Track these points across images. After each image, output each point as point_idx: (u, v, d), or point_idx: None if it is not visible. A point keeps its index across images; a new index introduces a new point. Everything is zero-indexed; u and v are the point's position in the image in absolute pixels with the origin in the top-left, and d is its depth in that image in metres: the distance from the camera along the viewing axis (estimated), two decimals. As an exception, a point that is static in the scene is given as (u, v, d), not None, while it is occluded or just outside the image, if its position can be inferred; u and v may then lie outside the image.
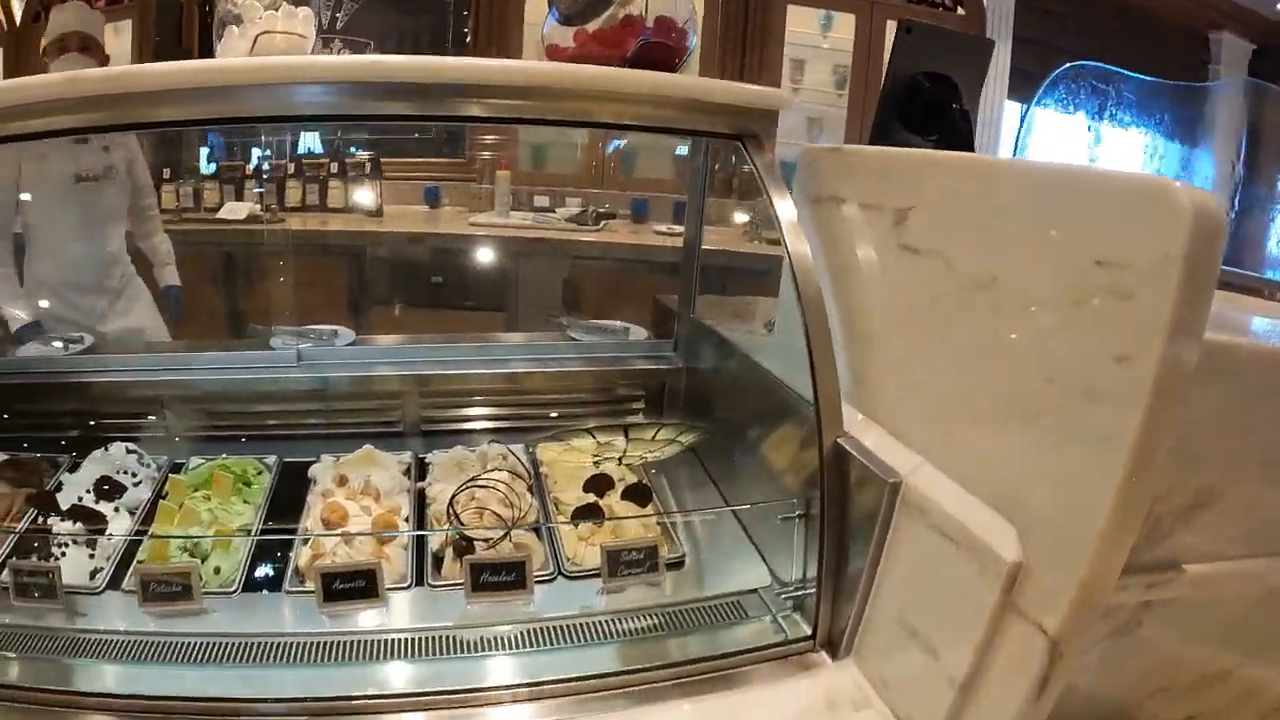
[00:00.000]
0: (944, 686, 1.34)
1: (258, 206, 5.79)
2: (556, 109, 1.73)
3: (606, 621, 1.69)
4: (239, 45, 1.79)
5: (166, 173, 5.94)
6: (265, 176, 6.06)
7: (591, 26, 1.88)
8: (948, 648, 1.36)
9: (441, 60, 1.67)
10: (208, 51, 2.01)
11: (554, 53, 1.90)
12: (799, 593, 1.71)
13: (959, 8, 6.63)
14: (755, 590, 1.78)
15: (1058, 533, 1.20)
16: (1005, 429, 1.33)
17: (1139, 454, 1.09)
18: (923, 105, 2.19)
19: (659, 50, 1.82)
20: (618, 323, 2.77)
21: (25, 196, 3.41)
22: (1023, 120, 6.50)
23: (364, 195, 5.78)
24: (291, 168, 6.02)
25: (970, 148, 2.15)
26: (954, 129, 2.16)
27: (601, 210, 5.64)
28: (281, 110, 1.72)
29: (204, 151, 6.14)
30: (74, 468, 2.28)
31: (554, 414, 2.51)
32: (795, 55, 6.39)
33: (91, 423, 2.48)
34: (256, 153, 6.18)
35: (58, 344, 2.83)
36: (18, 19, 7.59)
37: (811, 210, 1.85)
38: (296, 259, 5.35)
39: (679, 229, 5.22)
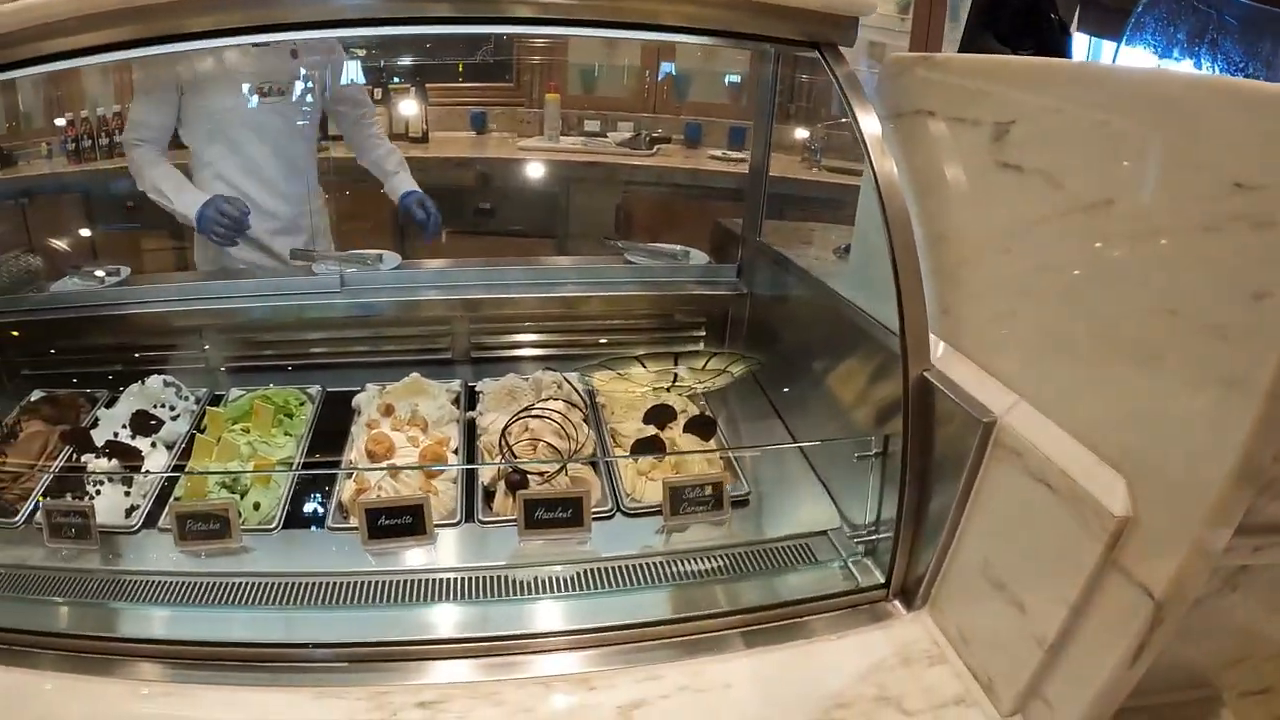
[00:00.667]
0: (1031, 645, 1.27)
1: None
2: (624, 9, 1.65)
3: (667, 563, 1.65)
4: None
5: None
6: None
7: None
8: (1039, 604, 1.28)
9: None
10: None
11: None
12: (872, 537, 1.65)
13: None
14: (824, 532, 1.72)
15: (1172, 485, 1.11)
16: (1116, 368, 1.22)
17: (1272, 401, 0.98)
18: (1015, 15, 2.07)
19: None
20: (676, 246, 2.70)
21: (194, 128, 3.05)
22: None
23: (409, 121, 5.68)
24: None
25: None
26: (1050, 41, 2.03)
27: (655, 135, 5.51)
28: (320, 16, 1.65)
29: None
30: (110, 403, 2.28)
31: (608, 340, 2.46)
32: None
33: (134, 355, 2.48)
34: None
35: (99, 273, 2.77)
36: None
37: (895, 126, 1.74)
38: (340, 187, 5.34)
39: (735, 154, 5.18)
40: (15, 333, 2.55)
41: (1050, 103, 1.39)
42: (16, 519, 1.87)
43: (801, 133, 2.53)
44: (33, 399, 2.34)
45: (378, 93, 5.75)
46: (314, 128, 3.24)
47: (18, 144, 5.61)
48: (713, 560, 1.64)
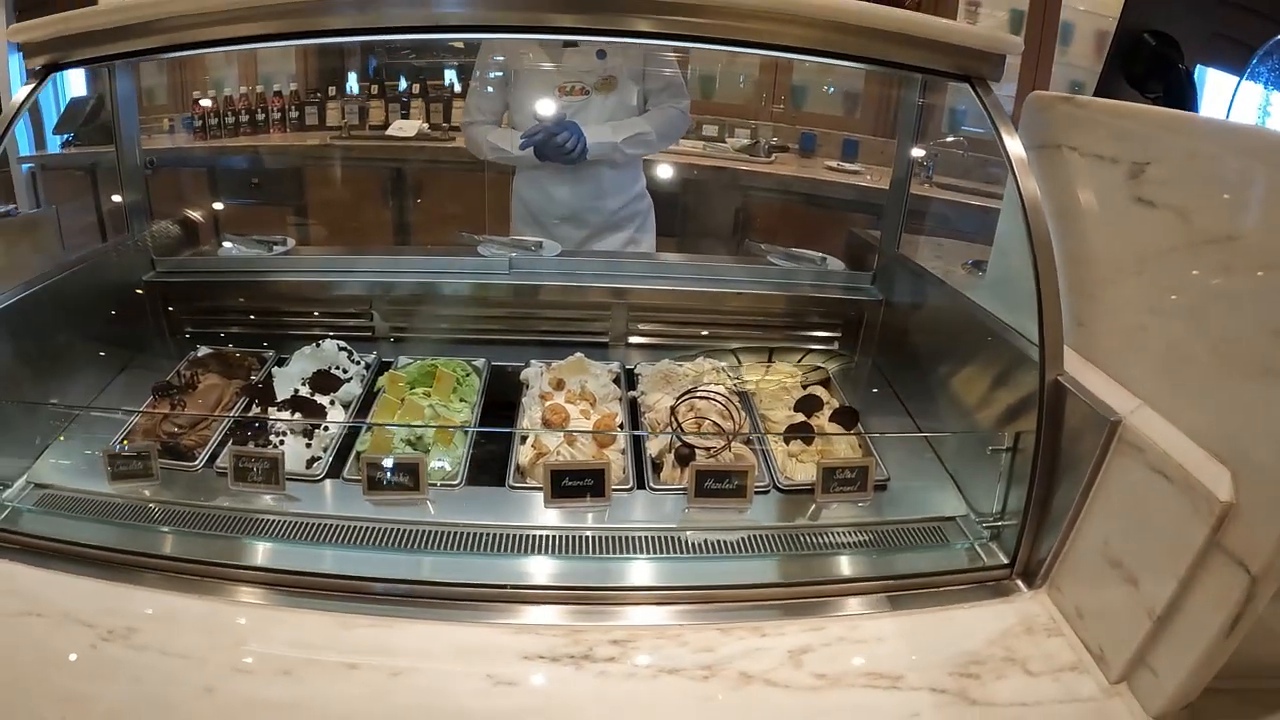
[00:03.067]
0: (1142, 617, 1.48)
1: (425, 125, 6.10)
2: (793, 35, 1.83)
3: (818, 533, 1.88)
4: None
5: (333, 90, 6.39)
6: (431, 96, 6.35)
7: None
8: (1150, 580, 1.49)
9: None
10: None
11: None
12: (998, 523, 1.87)
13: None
14: (954, 518, 1.94)
15: (1272, 479, 1.32)
16: (1231, 380, 1.44)
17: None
18: (1148, 62, 2.29)
19: None
20: (815, 253, 2.90)
21: (514, 117, 3.43)
22: (1235, 95, 6.35)
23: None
24: (459, 88, 6.27)
25: (1191, 107, 2.23)
26: (1177, 88, 2.25)
27: (773, 143, 5.71)
28: (445, 21, 1.89)
29: (340, 75, 6.51)
30: (279, 363, 2.55)
31: (750, 335, 2.68)
32: None
33: (299, 320, 2.80)
34: (424, 72, 6.47)
35: (266, 241, 3.10)
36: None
37: (1037, 155, 1.94)
38: (467, 175, 5.64)
39: (849, 166, 5.35)
40: (181, 292, 2.86)
41: (1186, 148, 1.61)
42: (196, 463, 2.11)
43: (917, 151, 2.72)
44: (199, 354, 2.60)
45: None
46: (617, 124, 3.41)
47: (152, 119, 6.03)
48: (859, 534, 1.88)
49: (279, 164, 6.20)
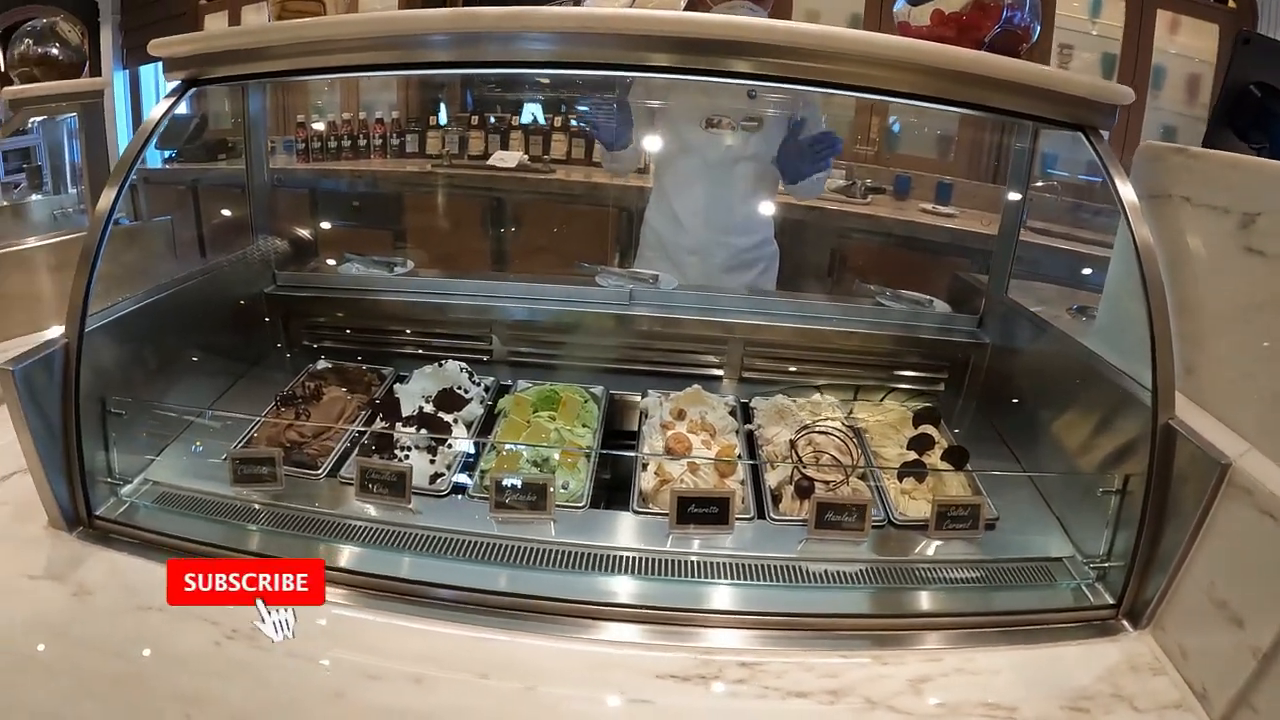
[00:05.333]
0: (1246, 657, 1.54)
1: (525, 156, 6.30)
2: (909, 82, 1.92)
3: (931, 568, 1.97)
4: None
5: (431, 120, 6.64)
6: (530, 129, 6.56)
7: (940, 5, 2.09)
8: (1256, 620, 1.55)
9: (813, 29, 1.89)
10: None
11: (904, 30, 2.12)
12: (1104, 565, 1.93)
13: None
14: (1061, 559, 2.01)
15: None
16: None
17: None
18: (1253, 115, 2.36)
19: (1012, 37, 2.05)
20: (923, 295, 2.97)
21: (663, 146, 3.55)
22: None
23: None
24: (558, 121, 6.49)
25: (1296, 159, 2.29)
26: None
27: (868, 184, 5.79)
28: (561, 58, 2.03)
29: (440, 105, 6.77)
30: (398, 380, 2.68)
31: (859, 374, 2.76)
32: (1063, 40, 6.27)
33: (418, 339, 2.96)
34: (528, 106, 6.67)
35: (387, 261, 3.24)
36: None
37: (1149, 205, 2.01)
38: (566, 207, 5.82)
39: (943, 209, 5.40)
40: (301, 306, 3.02)
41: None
42: (319, 471, 2.23)
43: (1014, 195, 2.79)
44: (318, 366, 2.75)
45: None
46: (759, 164, 3.47)
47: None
48: (970, 570, 1.96)
49: (381, 188, 6.49)
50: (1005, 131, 2.82)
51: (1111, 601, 1.88)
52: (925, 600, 1.90)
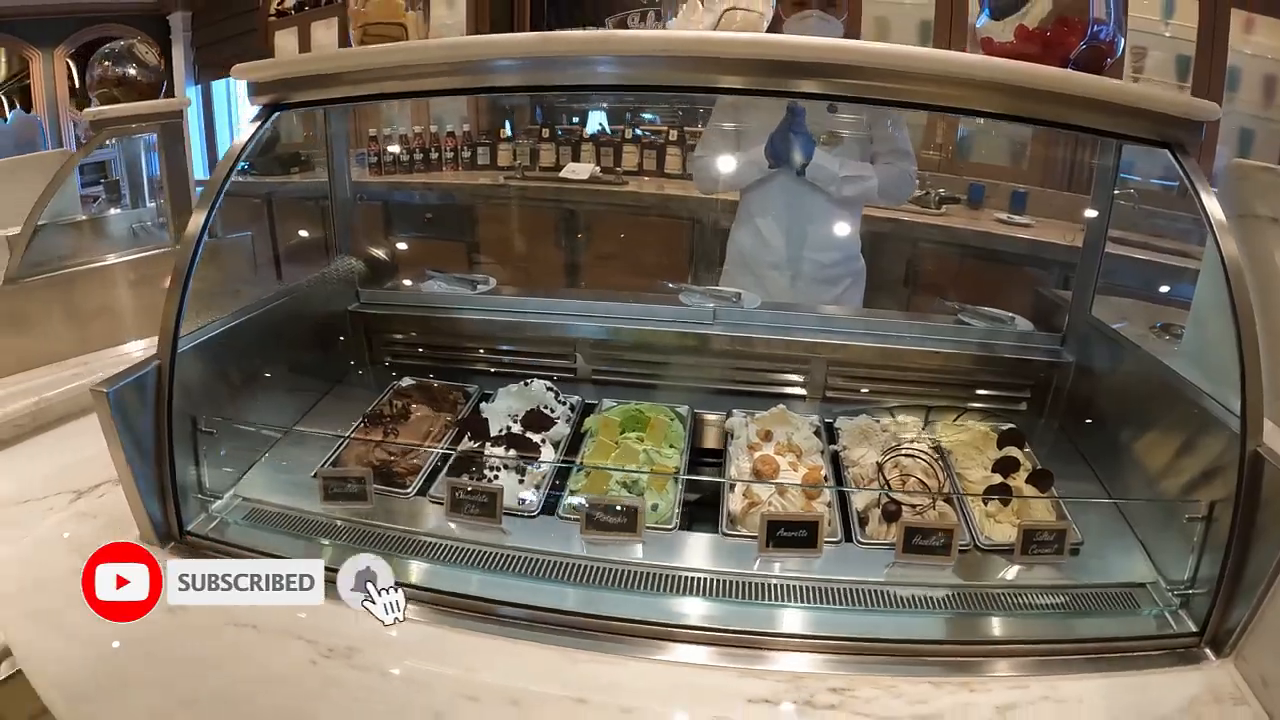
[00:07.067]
0: None
1: (597, 168, 6.44)
2: (997, 102, 1.95)
3: (1016, 593, 1.98)
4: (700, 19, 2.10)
5: (500, 132, 6.87)
6: (600, 140, 6.73)
7: (1021, 20, 2.04)
8: None
9: (908, 50, 1.97)
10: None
11: (987, 45, 2.10)
12: (1188, 591, 1.92)
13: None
14: (1144, 584, 2.00)
15: None
16: None
17: None
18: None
19: (1097, 53, 2.01)
20: (1005, 313, 2.97)
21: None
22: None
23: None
24: (629, 134, 6.63)
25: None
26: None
27: (942, 194, 5.77)
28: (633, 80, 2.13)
29: (510, 118, 6.97)
30: (483, 398, 2.74)
31: (941, 393, 2.78)
32: (1135, 42, 6.15)
33: (499, 356, 3.04)
34: (596, 118, 6.88)
35: (464, 280, 3.31)
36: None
37: (1236, 223, 1.99)
38: (639, 219, 5.88)
39: (1019, 219, 5.36)
40: (384, 323, 3.13)
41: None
42: (408, 490, 2.28)
43: (1097, 212, 2.77)
44: (403, 384, 2.82)
45: (673, 134, 6.49)
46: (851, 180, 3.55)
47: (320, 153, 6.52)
48: (1055, 596, 1.96)
49: (455, 200, 6.65)
50: (1081, 139, 2.78)
51: (1195, 629, 1.86)
52: (1010, 626, 1.91)
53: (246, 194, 5.75)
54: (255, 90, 2.26)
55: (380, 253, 3.37)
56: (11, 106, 14.26)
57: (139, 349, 3.38)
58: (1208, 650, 1.83)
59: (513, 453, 2.31)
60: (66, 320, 3.60)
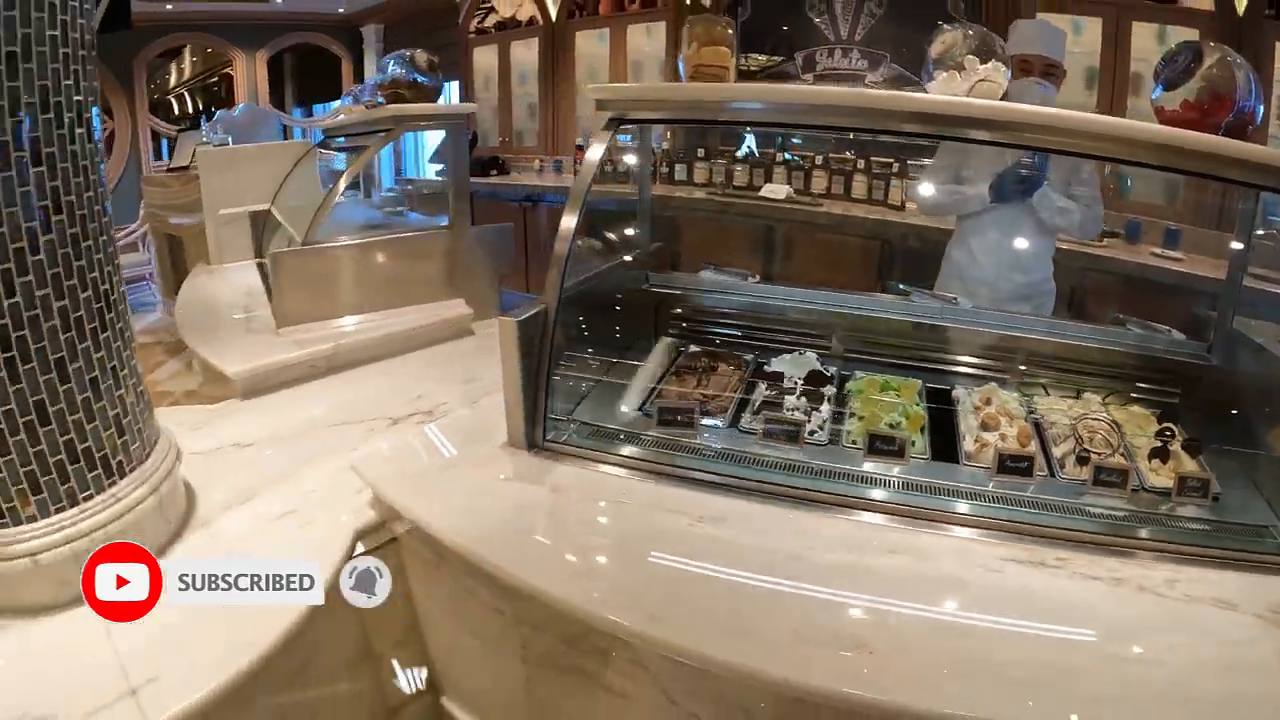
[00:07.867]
0: None
1: (791, 189, 7.15)
2: (1166, 159, 2.55)
3: (1175, 519, 2.63)
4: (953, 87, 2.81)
5: (700, 152, 7.65)
6: (792, 164, 7.39)
7: (1186, 96, 2.59)
8: None
9: (1111, 121, 2.60)
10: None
11: (1160, 113, 2.67)
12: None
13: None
14: (1267, 526, 2.58)
15: None
16: None
17: None
18: None
19: (1241, 121, 2.59)
20: (1163, 325, 3.62)
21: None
22: None
23: (887, 190, 6.93)
24: (819, 159, 7.28)
25: None
26: None
27: (1105, 229, 5.98)
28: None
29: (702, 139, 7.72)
30: (760, 364, 3.55)
31: (1111, 385, 3.46)
32: None
33: (767, 335, 3.86)
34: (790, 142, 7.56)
35: (735, 273, 4.18)
36: (553, 15, 9.61)
37: None
38: (831, 235, 6.63)
39: (1172, 253, 5.87)
40: (671, 302, 4.00)
41: None
42: (722, 423, 3.03)
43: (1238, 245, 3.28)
44: (691, 349, 3.68)
45: (860, 163, 7.09)
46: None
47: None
48: (1200, 524, 2.57)
49: (659, 211, 7.30)
50: (1228, 187, 3.43)
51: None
52: (1174, 535, 2.50)
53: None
54: (601, 106, 3.07)
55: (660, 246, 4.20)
56: (194, 104, 15.43)
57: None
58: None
59: (803, 400, 3.11)
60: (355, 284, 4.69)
